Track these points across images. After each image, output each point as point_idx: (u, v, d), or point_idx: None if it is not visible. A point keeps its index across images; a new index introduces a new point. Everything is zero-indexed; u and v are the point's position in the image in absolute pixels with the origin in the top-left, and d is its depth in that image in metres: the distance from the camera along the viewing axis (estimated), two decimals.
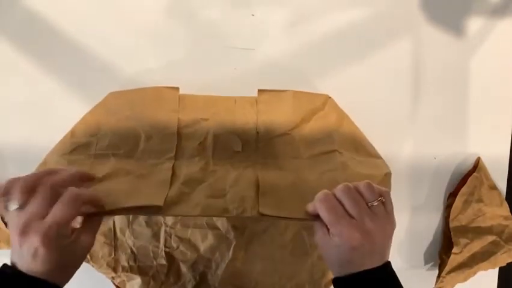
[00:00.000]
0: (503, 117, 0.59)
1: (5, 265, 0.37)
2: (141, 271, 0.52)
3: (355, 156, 0.51)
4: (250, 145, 0.50)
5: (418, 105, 0.57)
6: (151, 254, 0.52)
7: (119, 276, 0.52)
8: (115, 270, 0.52)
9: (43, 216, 0.36)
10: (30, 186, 0.38)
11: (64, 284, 0.39)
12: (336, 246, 0.40)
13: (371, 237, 0.40)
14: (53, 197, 0.37)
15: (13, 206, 0.37)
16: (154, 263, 0.52)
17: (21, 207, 0.37)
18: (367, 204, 0.40)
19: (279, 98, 0.52)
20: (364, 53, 0.56)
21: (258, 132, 0.50)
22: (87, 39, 0.54)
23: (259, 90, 0.52)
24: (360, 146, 0.52)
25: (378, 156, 0.53)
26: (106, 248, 0.52)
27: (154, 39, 0.54)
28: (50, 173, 0.40)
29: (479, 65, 0.57)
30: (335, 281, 0.41)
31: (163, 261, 0.52)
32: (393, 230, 0.43)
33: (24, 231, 0.36)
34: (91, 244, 0.40)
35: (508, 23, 0.57)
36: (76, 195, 0.38)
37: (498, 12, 0.57)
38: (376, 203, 0.41)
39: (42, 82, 0.54)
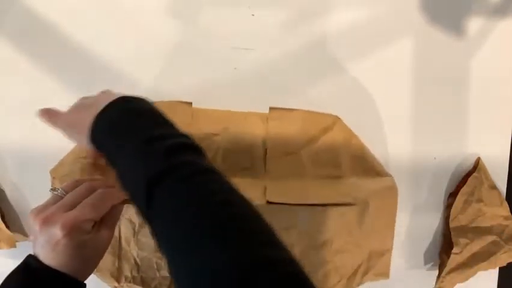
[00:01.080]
0: (503, 117, 0.59)
1: (29, 256, 0.37)
2: (144, 282, 0.52)
3: (362, 178, 0.53)
4: (258, 162, 0.51)
5: (418, 105, 0.57)
6: (155, 266, 0.52)
7: (122, 287, 0.52)
8: (118, 280, 0.52)
9: (69, 209, 0.37)
10: (76, 185, 0.39)
11: (85, 279, 0.38)
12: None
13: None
14: (86, 196, 0.38)
15: (55, 192, 0.39)
16: (157, 274, 0.52)
17: (59, 194, 0.38)
18: None
19: (289, 117, 0.53)
20: (364, 53, 0.56)
21: (266, 150, 0.51)
22: (87, 39, 0.54)
23: (271, 108, 0.53)
24: (368, 167, 0.54)
25: (387, 174, 0.54)
26: (110, 257, 0.52)
27: (153, 38, 0.54)
28: (97, 179, 0.41)
29: (479, 65, 0.57)
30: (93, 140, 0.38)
31: (166, 274, 0.52)
32: None
33: (46, 220, 0.36)
34: (111, 237, 0.40)
35: (508, 23, 0.57)
36: (107, 195, 0.38)
37: (498, 12, 0.57)
38: None
39: (42, 82, 0.54)
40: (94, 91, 0.53)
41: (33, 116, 0.54)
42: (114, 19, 0.54)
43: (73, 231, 0.36)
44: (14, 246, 0.53)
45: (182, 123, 0.51)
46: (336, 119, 0.54)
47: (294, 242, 0.53)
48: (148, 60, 0.55)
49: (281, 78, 0.55)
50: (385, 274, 0.55)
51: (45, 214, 0.36)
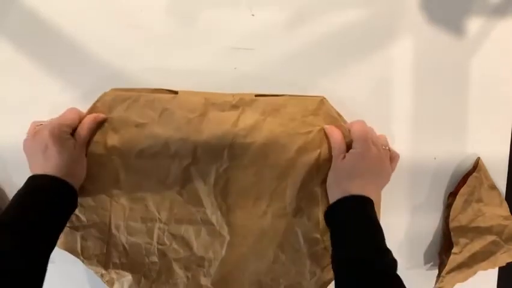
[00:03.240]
0: (503, 117, 0.59)
1: (30, 177, 0.46)
2: (132, 268, 0.52)
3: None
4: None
5: (418, 105, 0.57)
6: (144, 251, 0.52)
7: (108, 273, 0.52)
8: (105, 266, 0.52)
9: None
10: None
11: (75, 185, 0.48)
12: (351, 161, 0.49)
13: (382, 163, 0.50)
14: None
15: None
16: (146, 260, 0.52)
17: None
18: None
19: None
20: (364, 53, 0.56)
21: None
22: (87, 39, 0.54)
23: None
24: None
25: None
26: (98, 243, 0.52)
27: (154, 39, 0.54)
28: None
29: (479, 65, 0.57)
30: (330, 210, 0.49)
31: (155, 259, 0.52)
32: (386, 183, 0.52)
33: (36, 132, 0.48)
34: (86, 138, 0.50)
35: (508, 23, 0.57)
36: (74, 111, 0.51)
37: (498, 12, 0.57)
38: (387, 148, 0.51)
39: (42, 82, 0.54)
40: (94, 91, 0.53)
41: (33, 116, 0.54)
42: (114, 19, 0.54)
43: (57, 135, 0.46)
44: None
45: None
46: (321, 100, 0.53)
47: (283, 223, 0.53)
48: (148, 60, 0.55)
49: (281, 78, 0.55)
50: None
51: (35, 130, 0.48)
